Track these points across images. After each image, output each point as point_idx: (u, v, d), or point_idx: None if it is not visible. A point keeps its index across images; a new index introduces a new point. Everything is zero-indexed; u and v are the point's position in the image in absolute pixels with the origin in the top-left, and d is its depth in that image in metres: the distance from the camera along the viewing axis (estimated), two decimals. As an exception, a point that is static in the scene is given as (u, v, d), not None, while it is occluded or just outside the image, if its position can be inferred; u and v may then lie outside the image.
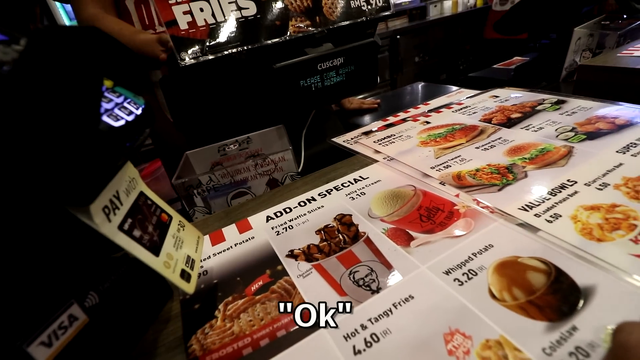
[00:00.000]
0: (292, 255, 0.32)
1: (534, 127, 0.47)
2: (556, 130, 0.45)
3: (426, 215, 0.34)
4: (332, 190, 0.42)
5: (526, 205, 0.32)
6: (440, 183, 0.39)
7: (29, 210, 0.20)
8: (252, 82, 0.51)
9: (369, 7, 0.59)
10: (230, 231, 0.38)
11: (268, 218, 0.39)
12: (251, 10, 0.49)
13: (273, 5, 0.50)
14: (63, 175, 0.18)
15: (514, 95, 0.61)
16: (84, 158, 0.18)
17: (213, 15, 0.47)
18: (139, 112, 0.22)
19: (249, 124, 0.56)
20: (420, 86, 1.19)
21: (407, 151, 0.48)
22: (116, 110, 0.20)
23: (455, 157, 0.43)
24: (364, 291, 0.27)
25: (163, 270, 0.24)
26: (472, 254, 0.28)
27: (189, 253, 0.28)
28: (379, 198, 0.38)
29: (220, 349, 0.25)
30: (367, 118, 0.96)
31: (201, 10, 0.46)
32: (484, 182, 0.37)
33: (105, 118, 0.19)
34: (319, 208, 0.39)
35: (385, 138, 0.54)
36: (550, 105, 0.53)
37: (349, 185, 0.42)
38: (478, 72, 1.29)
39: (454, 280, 0.26)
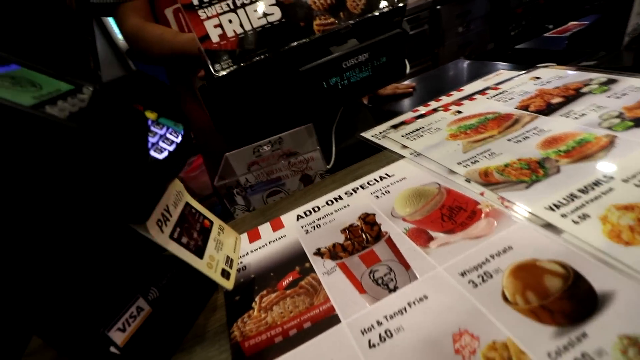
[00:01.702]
0: (319, 253, 0.35)
1: (575, 114, 0.44)
2: (600, 116, 0.42)
3: (448, 215, 0.35)
4: (358, 188, 0.44)
5: (553, 204, 0.32)
6: (465, 180, 0.39)
7: (105, 228, 0.25)
8: (281, 85, 0.53)
9: (396, -6, 0.57)
10: (265, 229, 0.42)
11: (298, 217, 0.42)
12: (276, 15, 0.51)
13: (297, 8, 0.52)
14: (122, 202, 0.22)
15: (557, 76, 0.56)
16: (137, 188, 0.22)
17: (241, 25, 0.49)
18: (179, 139, 0.26)
19: (281, 123, 0.59)
20: (460, 65, 1.12)
21: (435, 145, 0.48)
22: (160, 143, 0.24)
23: (485, 152, 0.43)
24: (382, 290, 0.29)
25: (207, 271, 0.28)
26: (490, 255, 0.29)
27: (228, 253, 0.32)
28: (402, 197, 0.39)
29: (256, 336, 0.29)
30: (401, 104, 0.95)
31: (230, 22, 0.49)
32: (512, 179, 0.37)
33: (152, 153, 0.22)
34: (345, 207, 0.41)
35: (413, 131, 0.54)
36: (597, 86, 0.49)
37: (374, 184, 0.44)
38: (527, 44, 1.18)
39: (469, 282, 0.27)
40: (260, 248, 0.39)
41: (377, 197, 0.41)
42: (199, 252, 0.28)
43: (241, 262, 0.38)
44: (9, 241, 0.21)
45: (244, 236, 0.42)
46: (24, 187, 0.21)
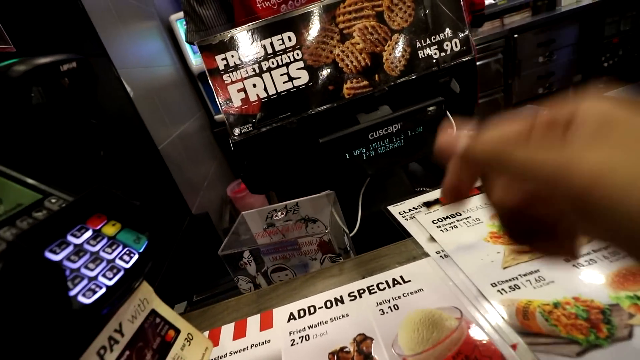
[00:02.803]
0: (296, 384, 0.30)
1: (671, 235, 0.33)
2: None
3: (461, 371, 0.27)
4: (364, 291, 0.38)
5: (616, 402, 0.22)
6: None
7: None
8: (301, 152, 0.50)
9: (443, 54, 0.51)
10: (253, 325, 0.38)
11: (290, 316, 0.37)
12: (303, 79, 0.47)
13: (326, 71, 0.48)
14: (43, 349, 0.20)
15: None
16: (60, 335, 0.19)
17: (265, 89, 0.47)
18: (128, 265, 0.23)
19: (302, 188, 0.55)
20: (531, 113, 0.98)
21: (470, 247, 0.39)
22: (99, 278, 0.21)
23: (531, 273, 0.33)
24: None
25: (148, 411, 0.24)
26: None
27: (188, 376, 0.28)
28: (410, 322, 0.32)
29: None
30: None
31: (254, 86, 0.47)
32: (560, 332, 0.27)
33: (79, 297, 0.20)
34: (343, 317, 0.35)
35: (447, 218, 0.45)
36: None
37: (384, 289, 0.37)
38: (617, 91, 0.99)
39: None
40: (241, 351, 0.35)
41: (383, 312, 0.34)
42: (147, 383, 0.25)
43: (216, 367, 0.34)
44: None
45: (230, 328, 0.38)
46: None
